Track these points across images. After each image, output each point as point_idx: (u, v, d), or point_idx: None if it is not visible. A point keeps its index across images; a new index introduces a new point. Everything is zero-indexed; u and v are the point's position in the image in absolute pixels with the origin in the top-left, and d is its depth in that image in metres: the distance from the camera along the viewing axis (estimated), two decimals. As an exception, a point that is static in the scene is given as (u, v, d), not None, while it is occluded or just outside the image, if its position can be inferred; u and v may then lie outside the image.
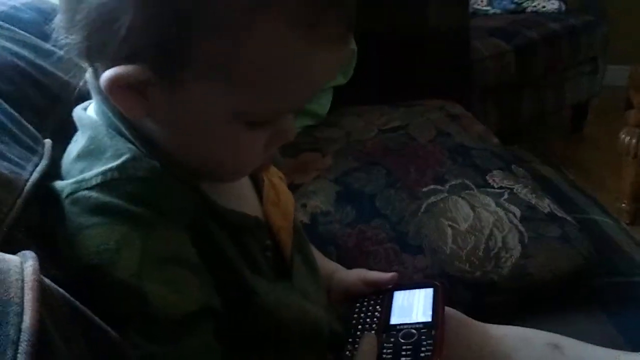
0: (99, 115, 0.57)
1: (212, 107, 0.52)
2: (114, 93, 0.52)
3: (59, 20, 0.53)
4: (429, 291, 0.75)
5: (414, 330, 0.68)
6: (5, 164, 0.55)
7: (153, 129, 0.55)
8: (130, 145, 0.55)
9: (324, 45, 0.50)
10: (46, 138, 0.64)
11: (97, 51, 0.52)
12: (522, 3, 2.86)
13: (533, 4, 2.85)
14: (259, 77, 0.50)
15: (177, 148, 0.56)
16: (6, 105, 0.64)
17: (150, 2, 0.48)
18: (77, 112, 0.60)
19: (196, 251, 0.54)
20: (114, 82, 0.51)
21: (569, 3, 2.85)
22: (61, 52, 0.54)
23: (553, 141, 2.95)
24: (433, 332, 0.67)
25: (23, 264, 0.37)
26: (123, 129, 0.55)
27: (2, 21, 0.79)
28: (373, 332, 0.71)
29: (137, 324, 0.50)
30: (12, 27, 0.78)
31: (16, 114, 0.64)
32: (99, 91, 0.55)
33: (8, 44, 0.74)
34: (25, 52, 0.75)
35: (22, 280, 0.35)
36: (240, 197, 0.64)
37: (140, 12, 0.48)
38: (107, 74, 0.51)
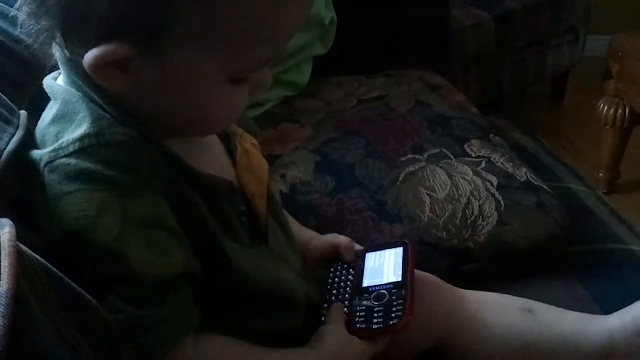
0: (68, 85, 0.58)
1: (197, 72, 0.54)
2: (99, 73, 0.52)
3: (24, 6, 0.53)
4: (399, 250, 0.76)
5: (385, 291, 0.70)
6: (-19, 135, 0.55)
7: (132, 96, 0.55)
8: (103, 112, 0.55)
9: None
10: (22, 109, 0.64)
11: (74, 33, 0.52)
12: (503, -28, 2.85)
13: (514, -26, 2.84)
14: (241, 38, 0.52)
15: (158, 110, 0.56)
16: (-19, 77, 0.64)
17: None
18: (48, 81, 0.60)
19: (174, 216, 0.55)
20: (97, 63, 0.51)
21: (551, -27, 2.85)
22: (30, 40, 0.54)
23: (533, 111, 2.97)
24: (403, 292, 0.69)
25: (0, 232, 0.38)
26: (95, 97, 0.56)
27: (-22, -8, 0.78)
28: (347, 296, 0.72)
29: (118, 288, 0.51)
30: (-12, -2, 0.77)
31: (-8, 87, 0.64)
32: (67, 62, 0.56)
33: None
34: (1, 23, 0.74)
35: (-1, 248, 0.36)
36: (215, 163, 0.64)
37: None
38: (90, 56, 0.51)
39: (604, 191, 2.22)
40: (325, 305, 0.71)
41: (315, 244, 0.81)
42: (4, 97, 0.64)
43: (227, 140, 0.68)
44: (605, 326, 0.76)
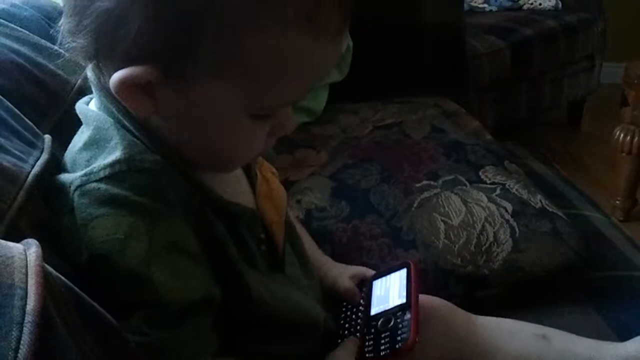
0: (101, 110, 0.59)
1: (219, 103, 0.54)
2: (123, 94, 0.54)
3: (64, 23, 0.55)
4: (403, 272, 0.77)
5: (390, 316, 0.70)
6: (8, 157, 0.56)
7: (157, 124, 0.57)
8: (134, 139, 0.56)
9: (324, 38, 0.53)
10: (46, 134, 0.66)
11: (106, 54, 0.54)
12: (518, 0, 2.88)
13: (529, 2, 2.86)
14: (263, 74, 0.53)
15: (181, 141, 0.57)
16: (6, 101, 0.65)
17: (159, 8, 0.49)
18: (80, 106, 0.62)
19: (197, 241, 0.56)
20: (123, 83, 0.53)
21: (566, 0, 2.86)
22: (65, 54, 0.56)
23: (549, 138, 2.97)
24: (407, 313, 0.69)
25: (27, 251, 0.39)
26: (126, 123, 0.57)
27: (2, 19, 0.80)
28: (358, 328, 0.72)
29: (141, 311, 0.52)
30: (12, 25, 0.79)
31: (16, 110, 0.65)
32: (101, 88, 0.57)
33: (7, 41, 0.75)
34: (24, 50, 0.76)
35: (26, 266, 0.37)
36: (237, 190, 0.65)
37: (149, 18, 0.50)
38: (117, 76, 0.52)
39: (621, 218, 2.20)
40: (340, 341, 0.71)
41: (322, 280, 0.81)
42: (28, 121, 0.66)
43: (248, 168, 0.69)
44: (621, 353, 0.76)
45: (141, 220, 0.53)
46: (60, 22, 0.55)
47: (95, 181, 0.54)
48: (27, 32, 0.80)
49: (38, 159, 0.59)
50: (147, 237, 0.53)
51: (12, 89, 0.69)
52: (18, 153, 0.58)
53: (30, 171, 0.57)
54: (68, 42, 0.55)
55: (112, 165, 0.55)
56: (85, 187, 0.55)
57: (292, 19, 0.50)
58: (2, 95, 0.66)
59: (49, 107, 0.73)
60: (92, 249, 0.53)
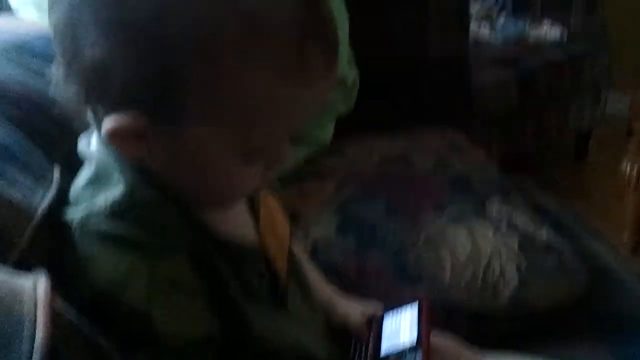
0: (101, 147, 0.60)
1: (208, 147, 0.54)
2: (114, 141, 0.54)
3: (56, 70, 0.56)
4: (414, 309, 0.76)
5: (400, 356, 0.69)
6: (18, 191, 0.57)
7: (152, 164, 0.57)
8: (134, 176, 0.57)
9: (312, 79, 0.53)
10: (56, 166, 0.66)
11: (95, 99, 0.55)
12: (524, 31, 2.89)
13: (535, 32, 2.88)
14: (252, 118, 0.53)
15: (175, 181, 0.58)
16: (18, 133, 0.66)
17: (141, 58, 0.50)
18: (81, 144, 0.62)
19: (196, 277, 0.56)
20: (113, 132, 0.53)
21: (571, 31, 2.88)
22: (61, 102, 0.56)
23: (555, 169, 2.96)
24: (418, 353, 0.68)
25: (36, 284, 0.39)
26: (124, 162, 0.57)
27: (15, 50, 0.81)
28: None
29: (143, 348, 0.52)
30: (24, 56, 0.80)
31: (27, 142, 0.66)
32: (99, 125, 0.58)
33: (20, 73, 0.76)
34: (36, 81, 0.77)
35: (35, 299, 0.38)
36: (237, 224, 0.65)
37: (132, 68, 0.50)
38: (106, 125, 0.53)
39: (628, 253, 2.19)
40: None
41: (330, 313, 0.80)
42: (39, 153, 0.66)
43: (251, 200, 0.69)
44: None
45: (141, 258, 0.53)
46: (52, 69, 0.56)
47: (96, 218, 0.55)
48: (40, 63, 0.81)
49: (47, 192, 0.60)
50: (147, 276, 0.53)
51: (24, 121, 0.69)
52: (28, 187, 0.59)
53: (39, 205, 0.57)
54: (61, 88, 0.56)
55: (112, 202, 0.55)
56: (86, 224, 0.55)
57: (278, 69, 0.51)
58: (14, 127, 0.66)
59: (60, 138, 0.74)
60: (93, 287, 0.53)
